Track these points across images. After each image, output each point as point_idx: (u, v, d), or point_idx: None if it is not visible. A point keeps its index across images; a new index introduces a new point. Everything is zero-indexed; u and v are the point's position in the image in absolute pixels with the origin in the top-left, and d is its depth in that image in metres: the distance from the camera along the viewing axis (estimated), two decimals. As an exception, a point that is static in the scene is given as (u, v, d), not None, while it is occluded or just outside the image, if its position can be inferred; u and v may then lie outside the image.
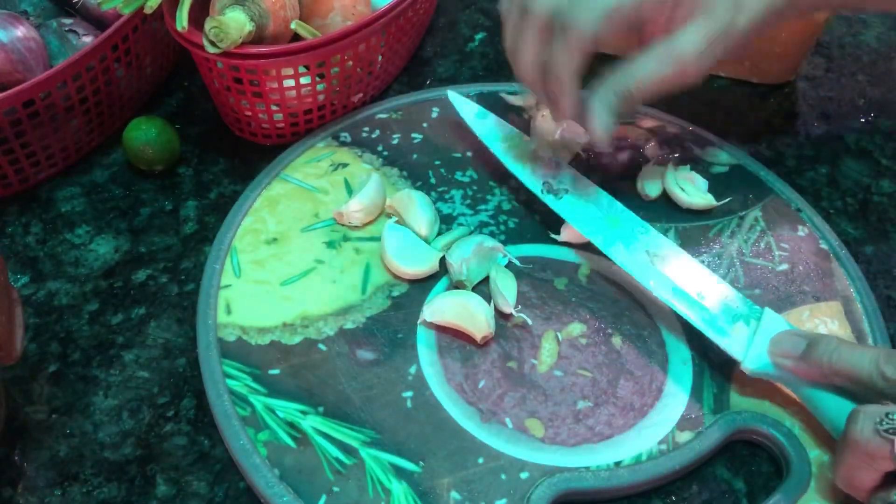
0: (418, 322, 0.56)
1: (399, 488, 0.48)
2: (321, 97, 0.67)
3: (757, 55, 0.74)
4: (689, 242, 0.61)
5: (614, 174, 0.66)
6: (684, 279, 0.55)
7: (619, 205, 0.59)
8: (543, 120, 0.67)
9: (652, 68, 0.52)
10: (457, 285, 0.58)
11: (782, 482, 0.49)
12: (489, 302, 0.56)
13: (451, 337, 0.55)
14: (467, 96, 0.71)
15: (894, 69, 0.79)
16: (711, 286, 0.54)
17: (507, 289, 0.57)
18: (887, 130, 0.73)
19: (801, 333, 0.51)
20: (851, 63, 0.79)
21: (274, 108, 0.66)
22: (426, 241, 0.60)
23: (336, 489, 0.48)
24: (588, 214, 0.59)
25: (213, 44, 0.60)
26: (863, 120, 0.74)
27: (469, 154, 0.67)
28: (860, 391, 0.46)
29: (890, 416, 0.43)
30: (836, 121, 0.74)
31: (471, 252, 0.57)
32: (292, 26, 0.64)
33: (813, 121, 0.74)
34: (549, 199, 0.60)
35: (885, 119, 0.74)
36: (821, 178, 0.69)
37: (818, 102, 0.75)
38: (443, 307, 0.55)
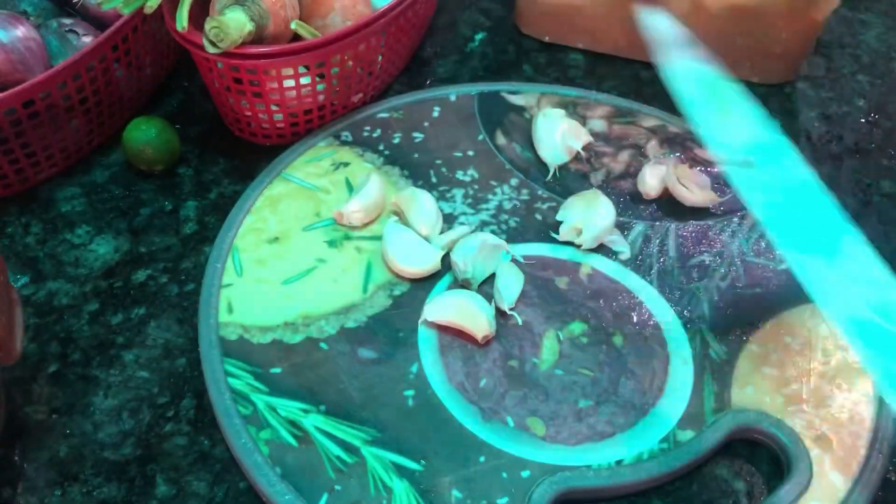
0: (419, 321, 0.56)
1: (401, 487, 0.48)
2: (321, 97, 0.67)
3: (757, 55, 0.74)
4: (689, 242, 0.61)
5: (615, 173, 0.66)
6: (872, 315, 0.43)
7: (818, 190, 0.48)
8: (545, 119, 0.67)
9: None
10: (462, 284, 0.58)
11: (783, 481, 0.49)
12: (490, 301, 0.56)
13: (452, 336, 0.55)
14: (469, 96, 0.71)
15: (894, 69, 0.79)
16: None
17: (508, 286, 0.57)
18: (887, 130, 0.73)
19: None
20: (851, 63, 0.80)
21: (274, 108, 0.66)
22: (427, 240, 0.60)
23: (338, 487, 0.48)
24: (774, 200, 0.48)
25: (213, 44, 0.60)
26: (863, 120, 0.74)
27: (470, 153, 0.67)
28: None
29: None
30: (836, 121, 0.74)
31: (475, 250, 0.57)
32: (292, 26, 0.63)
33: (813, 121, 0.74)
34: (735, 175, 0.49)
35: (885, 119, 0.74)
36: (821, 179, 0.68)
37: (818, 102, 0.76)
38: (444, 307, 0.55)
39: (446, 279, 0.58)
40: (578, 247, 0.60)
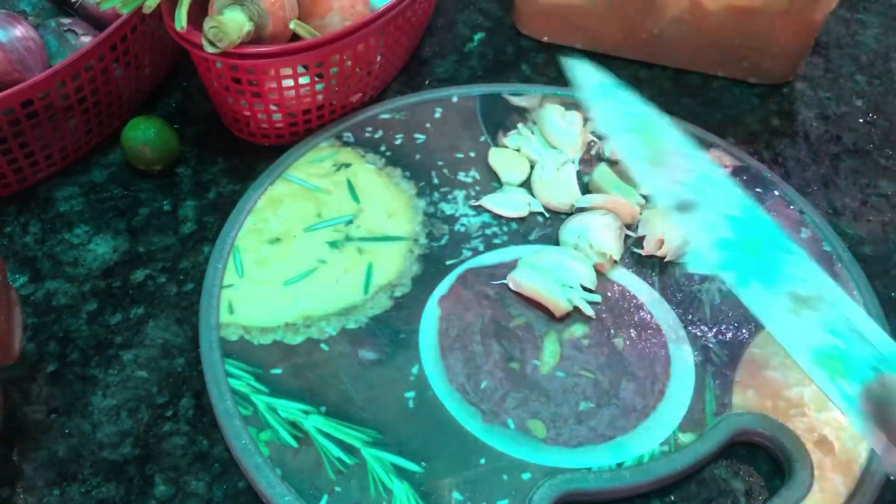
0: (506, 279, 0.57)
1: (401, 488, 0.48)
2: (320, 97, 0.67)
3: (756, 55, 0.74)
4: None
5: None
6: (830, 339, 0.43)
7: (759, 214, 0.49)
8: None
9: None
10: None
11: (784, 485, 0.49)
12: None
13: (453, 337, 0.55)
14: (471, 97, 0.71)
15: (892, 69, 0.79)
16: (867, 348, 0.42)
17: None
18: (885, 130, 0.73)
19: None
20: (850, 63, 0.80)
21: (273, 108, 0.66)
22: None
23: (338, 489, 0.48)
24: (719, 237, 0.48)
25: (211, 44, 0.60)
26: (861, 120, 0.74)
27: (472, 154, 0.67)
28: None
29: None
30: (835, 121, 0.74)
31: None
32: (291, 26, 0.63)
33: (811, 121, 0.74)
34: (678, 219, 0.49)
35: (883, 119, 0.74)
36: (819, 179, 0.69)
37: (817, 103, 0.76)
38: (531, 277, 0.57)
39: (448, 279, 0.58)
40: (662, 259, 0.60)
